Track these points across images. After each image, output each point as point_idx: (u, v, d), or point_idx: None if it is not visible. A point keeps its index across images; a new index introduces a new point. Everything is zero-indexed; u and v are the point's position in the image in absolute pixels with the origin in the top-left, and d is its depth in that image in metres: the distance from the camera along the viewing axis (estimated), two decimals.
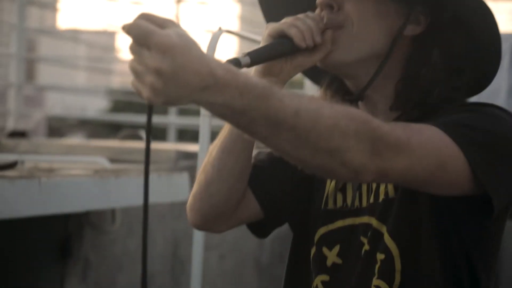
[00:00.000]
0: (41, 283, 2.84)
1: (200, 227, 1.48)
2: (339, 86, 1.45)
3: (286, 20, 1.35)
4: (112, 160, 3.28)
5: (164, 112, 6.50)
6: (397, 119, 1.36)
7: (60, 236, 2.88)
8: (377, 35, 1.36)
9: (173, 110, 6.27)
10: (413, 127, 1.22)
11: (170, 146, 4.02)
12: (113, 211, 3.00)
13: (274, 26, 1.35)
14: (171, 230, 3.47)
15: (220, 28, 2.43)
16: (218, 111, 1.06)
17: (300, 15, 1.36)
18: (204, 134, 2.37)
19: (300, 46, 1.33)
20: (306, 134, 1.09)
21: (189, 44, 1.00)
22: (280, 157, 1.18)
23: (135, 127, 7.90)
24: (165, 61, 0.98)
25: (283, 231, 1.62)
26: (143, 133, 4.46)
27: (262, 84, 1.07)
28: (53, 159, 3.14)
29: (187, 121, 6.91)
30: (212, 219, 1.44)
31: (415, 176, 1.20)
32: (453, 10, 1.34)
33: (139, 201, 2.79)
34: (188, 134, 10.60)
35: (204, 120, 2.37)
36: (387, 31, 1.35)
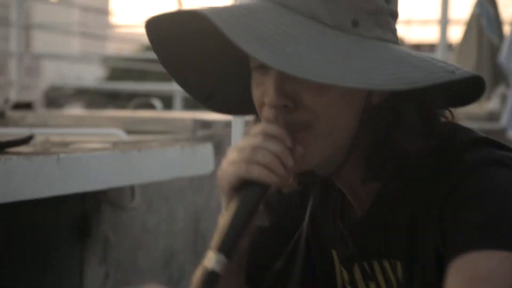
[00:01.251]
0: (60, 265, 2.65)
1: None
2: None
3: (242, 157, 1.05)
4: (126, 131, 3.08)
5: (170, 79, 6.27)
6: (380, 192, 1.14)
7: (78, 215, 2.69)
8: (346, 121, 1.10)
9: None
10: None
11: (186, 114, 3.81)
12: (132, 187, 2.80)
13: (229, 176, 1.06)
14: (192, 204, 3.28)
15: None
16: None
17: (256, 139, 1.06)
18: None
19: (275, 184, 1.05)
20: None
21: None
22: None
23: (134, 95, 7.69)
24: None
25: None
26: (155, 102, 4.25)
27: None
28: (67, 132, 2.93)
29: None
30: None
31: None
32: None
33: (162, 176, 2.60)
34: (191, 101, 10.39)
35: None
36: (355, 109, 1.10)
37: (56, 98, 12.16)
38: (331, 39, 1.04)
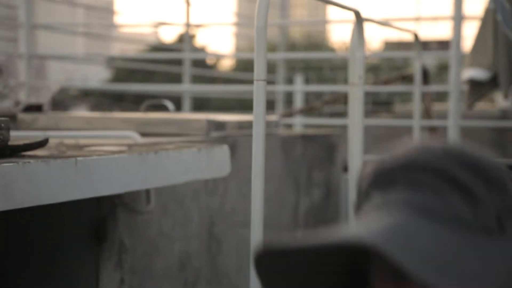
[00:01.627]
0: (75, 270, 2.60)
1: None
2: None
3: None
4: (139, 134, 3.03)
5: (177, 80, 6.25)
6: None
7: (94, 219, 2.64)
8: None
9: (186, 78, 6.00)
10: None
11: (198, 116, 3.76)
12: (147, 191, 2.75)
13: None
14: (206, 207, 3.23)
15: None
16: None
17: None
18: (259, 101, 2.13)
19: None
20: None
21: None
22: None
23: (141, 97, 7.63)
24: None
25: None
26: (167, 103, 4.20)
27: None
28: (82, 135, 2.88)
29: (202, 88, 6.64)
30: None
31: None
32: None
33: (179, 179, 2.55)
34: (198, 101, 10.32)
35: (258, 86, 2.13)
36: None
37: (61, 100, 12.11)
38: (490, 251, 0.97)
